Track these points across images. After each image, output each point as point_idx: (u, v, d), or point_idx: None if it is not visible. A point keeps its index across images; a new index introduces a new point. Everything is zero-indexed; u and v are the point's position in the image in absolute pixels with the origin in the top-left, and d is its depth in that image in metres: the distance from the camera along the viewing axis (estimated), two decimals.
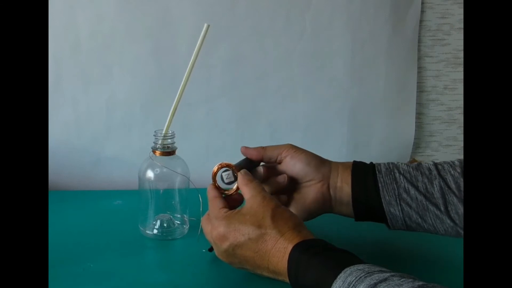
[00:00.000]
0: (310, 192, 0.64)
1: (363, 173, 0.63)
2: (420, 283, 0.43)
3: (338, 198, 0.63)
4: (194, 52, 0.66)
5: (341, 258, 0.50)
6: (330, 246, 0.52)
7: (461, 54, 0.99)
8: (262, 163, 0.67)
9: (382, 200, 0.61)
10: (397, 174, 0.61)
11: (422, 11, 0.96)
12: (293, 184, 0.65)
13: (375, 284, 0.43)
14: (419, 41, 0.97)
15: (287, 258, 0.52)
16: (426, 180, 0.60)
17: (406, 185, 0.60)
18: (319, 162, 0.64)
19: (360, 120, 0.98)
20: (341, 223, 0.68)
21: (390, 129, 0.99)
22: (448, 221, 0.59)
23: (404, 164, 0.63)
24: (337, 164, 0.65)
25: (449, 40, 0.98)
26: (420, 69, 0.99)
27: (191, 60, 0.66)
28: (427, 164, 0.63)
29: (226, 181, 0.62)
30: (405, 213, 0.60)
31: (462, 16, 0.97)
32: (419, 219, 0.60)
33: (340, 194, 0.63)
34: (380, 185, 0.61)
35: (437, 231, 0.61)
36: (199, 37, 0.92)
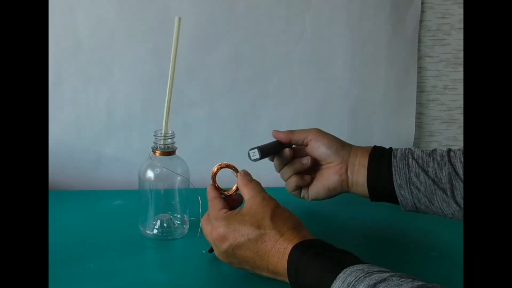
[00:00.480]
0: (330, 173, 0.70)
1: (379, 158, 0.68)
2: (420, 283, 0.43)
3: (355, 180, 0.69)
4: (172, 48, 0.68)
5: (341, 258, 0.50)
6: (329, 246, 0.52)
7: (461, 54, 0.98)
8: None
9: (394, 183, 0.65)
10: (410, 160, 0.66)
11: (422, 11, 0.96)
12: (316, 165, 0.72)
13: (375, 284, 0.43)
14: (419, 41, 0.97)
15: (286, 259, 0.52)
16: (436, 166, 0.64)
17: (417, 170, 0.64)
18: (340, 146, 0.70)
19: (360, 120, 0.98)
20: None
21: (390, 129, 0.99)
22: (454, 205, 0.63)
23: (419, 150, 0.67)
24: (358, 148, 0.70)
25: (449, 40, 0.98)
26: (420, 69, 0.99)
27: (171, 57, 0.68)
28: (441, 151, 0.66)
29: (253, 158, 0.68)
30: (414, 195, 0.64)
31: (462, 16, 0.97)
32: (427, 202, 0.64)
33: (356, 176, 0.68)
34: (393, 169, 0.65)
35: (445, 214, 0.64)
36: (199, 37, 0.92)
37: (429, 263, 0.65)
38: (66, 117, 0.91)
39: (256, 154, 0.68)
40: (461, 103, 1.00)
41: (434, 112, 1.01)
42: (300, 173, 0.72)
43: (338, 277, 0.46)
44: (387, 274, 0.45)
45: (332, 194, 0.71)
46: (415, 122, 0.99)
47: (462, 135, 1.01)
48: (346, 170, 0.69)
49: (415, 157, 0.66)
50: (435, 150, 0.67)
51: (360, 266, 0.47)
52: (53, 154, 0.89)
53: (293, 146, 0.74)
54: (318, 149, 0.70)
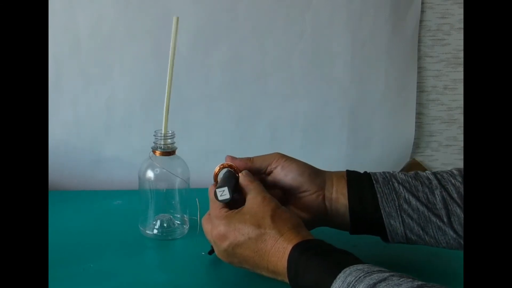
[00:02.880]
0: (305, 203, 0.60)
1: (359, 183, 0.60)
2: (419, 282, 0.43)
3: (334, 210, 0.60)
4: (171, 47, 0.67)
5: (341, 258, 0.50)
6: (329, 246, 0.52)
7: (461, 54, 0.99)
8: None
9: (382, 212, 0.58)
10: (395, 184, 0.59)
11: (422, 11, 0.96)
12: (285, 195, 0.62)
13: (375, 283, 0.43)
14: (419, 41, 0.97)
15: (286, 258, 0.52)
16: (426, 190, 0.58)
17: (406, 195, 0.58)
18: (313, 172, 0.61)
19: (360, 120, 0.98)
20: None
21: (390, 129, 0.99)
22: (451, 233, 0.58)
23: (401, 173, 0.61)
24: (331, 173, 0.62)
25: (449, 40, 0.98)
26: (420, 69, 0.99)
27: (170, 57, 0.67)
28: (425, 173, 0.60)
29: (220, 198, 0.57)
30: (406, 225, 0.58)
31: (462, 16, 0.97)
32: (421, 231, 0.58)
33: (336, 206, 0.60)
34: (378, 195, 0.58)
35: (439, 244, 0.59)
36: (199, 37, 0.92)
37: (429, 263, 0.65)
38: (66, 117, 0.91)
39: (226, 193, 0.57)
40: (461, 103, 1.00)
41: (434, 112, 1.01)
42: None
43: (338, 277, 0.46)
44: (387, 274, 0.45)
45: (308, 229, 0.56)
46: (415, 122, 0.99)
47: (462, 135, 1.01)
48: (324, 199, 0.60)
49: (400, 181, 0.59)
50: (417, 172, 0.60)
51: (360, 266, 0.47)
52: (53, 154, 0.89)
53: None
54: (286, 176, 0.60)
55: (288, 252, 0.52)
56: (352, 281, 0.45)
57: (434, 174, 0.60)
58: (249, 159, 0.63)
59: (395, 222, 0.58)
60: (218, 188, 0.57)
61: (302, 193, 0.61)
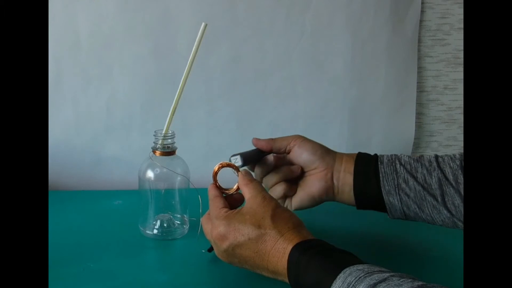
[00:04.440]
0: (315, 180, 0.67)
1: (365, 164, 0.65)
2: (420, 283, 0.43)
3: (340, 187, 0.66)
4: (192, 51, 0.66)
5: (341, 258, 0.50)
6: (329, 246, 0.52)
7: (461, 54, 0.99)
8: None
9: (382, 190, 0.63)
10: (398, 165, 0.64)
11: (422, 11, 0.96)
12: (300, 172, 0.68)
13: (375, 284, 0.43)
14: (419, 41, 0.97)
15: (286, 258, 0.52)
16: (425, 172, 0.63)
17: (405, 176, 0.63)
18: (324, 152, 0.68)
19: (360, 120, 0.98)
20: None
21: (390, 129, 0.99)
22: (445, 212, 0.61)
23: (407, 156, 0.65)
24: (342, 154, 0.68)
25: (449, 40, 0.98)
26: (420, 69, 0.99)
27: (189, 60, 0.66)
28: (428, 156, 0.65)
29: (234, 162, 0.64)
30: (404, 202, 0.63)
31: (462, 16, 0.97)
32: (417, 209, 0.62)
33: (342, 183, 0.66)
34: (381, 175, 0.63)
35: (435, 221, 0.63)
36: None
37: (429, 263, 0.65)
38: (66, 117, 0.91)
39: (238, 160, 0.64)
40: (461, 103, 1.00)
41: (434, 112, 1.01)
42: (286, 181, 0.68)
43: (338, 277, 0.46)
44: (387, 274, 0.45)
45: (317, 202, 0.68)
46: (415, 122, 0.99)
47: (462, 135, 1.01)
48: (332, 176, 0.66)
49: (403, 163, 0.64)
50: (422, 156, 0.65)
51: (360, 266, 0.47)
52: (53, 154, 0.89)
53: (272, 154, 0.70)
54: (302, 155, 0.67)
55: (288, 252, 0.52)
56: (353, 281, 0.45)
57: (436, 157, 0.64)
58: (271, 139, 0.69)
59: (393, 199, 0.63)
60: (232, 156, 0.64)
61: (312, 170, 0.67)
